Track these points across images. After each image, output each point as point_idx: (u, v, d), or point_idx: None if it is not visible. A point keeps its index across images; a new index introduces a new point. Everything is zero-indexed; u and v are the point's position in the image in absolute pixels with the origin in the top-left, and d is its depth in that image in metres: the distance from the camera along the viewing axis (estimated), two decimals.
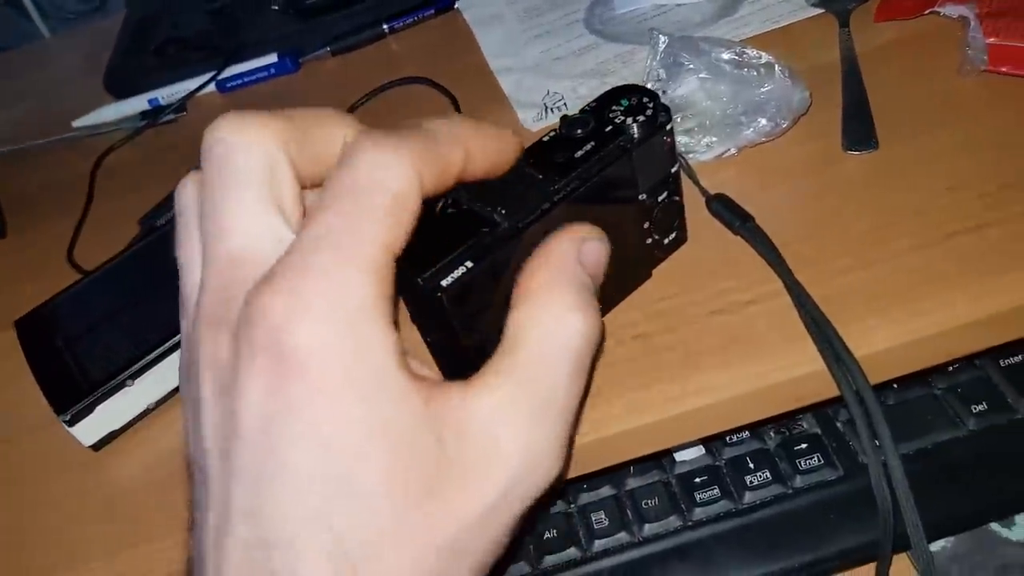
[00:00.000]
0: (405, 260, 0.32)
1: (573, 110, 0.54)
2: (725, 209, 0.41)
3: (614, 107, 0.36)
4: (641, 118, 0.36)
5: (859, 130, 0.43)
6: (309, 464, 0.22)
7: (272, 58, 0.67)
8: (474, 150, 0.28)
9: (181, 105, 0.67)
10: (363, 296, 0.23)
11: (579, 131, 0.36)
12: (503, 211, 0.33)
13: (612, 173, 0.35)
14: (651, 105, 0.36)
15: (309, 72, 0.67)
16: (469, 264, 0.32)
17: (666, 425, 0.36)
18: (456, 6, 0.66)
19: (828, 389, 0.36)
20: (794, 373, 0.35)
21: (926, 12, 0.47)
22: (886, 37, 0.49)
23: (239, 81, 0.67)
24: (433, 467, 0.24)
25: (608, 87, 0.37)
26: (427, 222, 0.34)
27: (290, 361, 0.22)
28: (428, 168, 0.25)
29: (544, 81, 0.55)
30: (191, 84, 0.67)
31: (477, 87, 0.57)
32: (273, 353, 0.22)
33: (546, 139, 0.36)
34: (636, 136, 0.36)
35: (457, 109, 0.56)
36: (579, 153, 0.35)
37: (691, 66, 0.43)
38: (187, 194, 0.27)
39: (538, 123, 0.53)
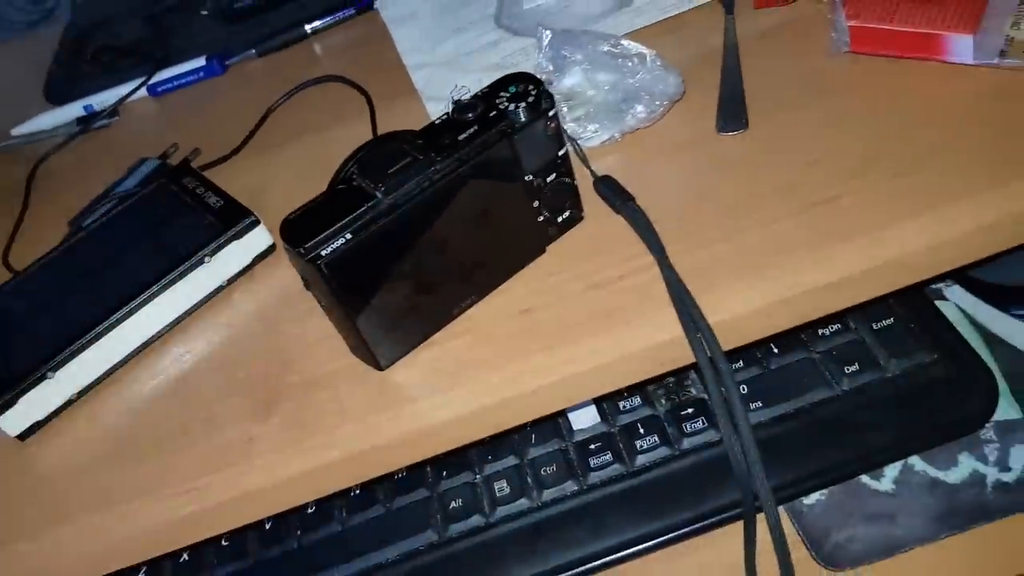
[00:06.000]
0: (294, 231, 0.35)
1: None
2: (608, 190, 0.44)
3: (502, 93, 0.39)
4: (524, 104, 0.38)
5: (732, 112, 0.46)
6: None
7: (200, 62, 0.69)
8: None
9: (114, 110, 0.69)
10: None
11: (469, 115, 0.38)
12: (384, 188, 0.36)
13: (492, 155, 0.38)
14: (535, 92, 0.39)
15: (236, 74, 0.69)
16: (348, 236, 0.35)
17: (541, 393, 0.38)
18: (375, 6, 0.68)
19: (688, 355, 0.38)
20: (655, 340, 0.38)
21: None
22: (767, 23, 0.52)
23: (169, 85, 0.69)
24: None
25: None
26: (321, 197, 0.37)
27: None
28: None
29: (453, 75, 0.58)
30: (124, 89, 0.69)
31: (390, 83, 0.60)
32: None
33: (438, 122, 0.39)
34: (518, 121, 0.38)
35: (370, 104, 0.58)
36: (463, 136, 0.38)
37: (574, 59, 0.46)
38: None
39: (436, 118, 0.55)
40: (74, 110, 0.70)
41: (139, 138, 0.66)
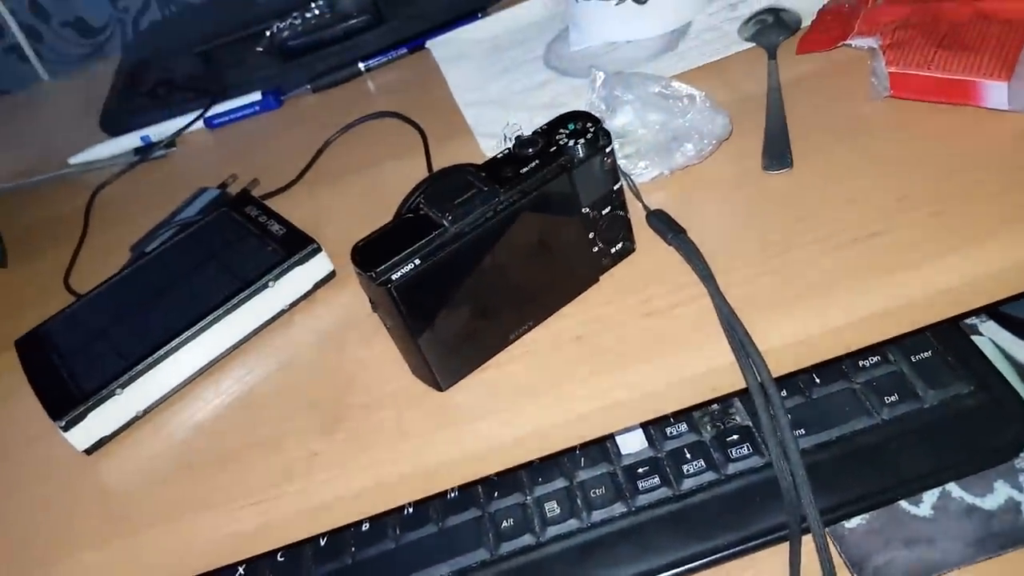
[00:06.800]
0: (365, 256, 0.37)
1: None
2: (661, 223, 0.46)
3: (561, 130, 0.41)
4: (582, 140, 0.40)
5: (777, 152, 0.48)
6: None
7: (256, 96, 0.72)
8: None
9: (171, 141, 0.72)
10: None
11: (529, 150, 0.41)
12: (451, 217, 0.38)
13: (552, 188, 0.40)
14: (593, 129, 0.41)
15: (291, 108, 0.72)
16: (417, 262, 0.37)
17: (593, 417, 0.40)
18: (426, 45, 0.71)
19: (740, 380, 0.40)
20: (706, 367, 0.40)
21: (840, 44, 0.53)
22: (808, 68, 0.54)
23: (226, 118, 0.72)
24: None
25: None
26: (389, 225, 0.39)
27: None
28: None
29: (504, 113, 0.60)
30: (181, 121, 0.72)
31: (443, 119, 0.62)
32: None
33: (500, 156, 0.41)
34: (577, 156, 0.40)
35: (424, 140, 0.61)
36: (524, 169, 0.40)
37: (626, 99, 0.48)
38: None
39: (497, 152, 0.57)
40: (131, 140, 0.74)
41: (196, 168, 0.69)
